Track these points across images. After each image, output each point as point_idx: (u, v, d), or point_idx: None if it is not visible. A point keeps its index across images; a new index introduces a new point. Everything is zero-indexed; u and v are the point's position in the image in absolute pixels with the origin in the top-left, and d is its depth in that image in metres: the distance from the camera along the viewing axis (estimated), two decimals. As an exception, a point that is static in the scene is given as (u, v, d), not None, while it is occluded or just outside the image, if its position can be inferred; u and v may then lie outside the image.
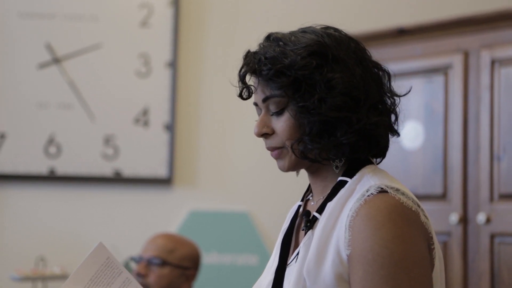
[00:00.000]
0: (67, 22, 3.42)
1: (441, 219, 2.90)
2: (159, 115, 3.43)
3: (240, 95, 1.40)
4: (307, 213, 1.38)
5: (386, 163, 3.14)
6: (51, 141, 3.39)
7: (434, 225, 3.03)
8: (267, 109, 1.37)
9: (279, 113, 1.35)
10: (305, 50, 1.32)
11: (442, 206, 2.92)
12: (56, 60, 3.41)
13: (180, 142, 3.46)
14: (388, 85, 1.39)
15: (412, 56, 3.09)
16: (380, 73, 1.39)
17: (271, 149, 1.38)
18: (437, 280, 1.30)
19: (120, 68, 3.44)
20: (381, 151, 1.39)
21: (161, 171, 3.41)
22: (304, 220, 1.36)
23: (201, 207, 3.44)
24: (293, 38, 1.35)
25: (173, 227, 3.40)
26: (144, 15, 3.46)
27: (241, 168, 3.45)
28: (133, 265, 2.71)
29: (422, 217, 1.28)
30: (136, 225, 3.36)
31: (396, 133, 1.40)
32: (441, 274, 1.32)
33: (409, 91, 1.46)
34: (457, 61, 2.94)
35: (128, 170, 3.40)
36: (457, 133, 2.91)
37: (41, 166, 3.36)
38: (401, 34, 3.11)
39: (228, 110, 3.42)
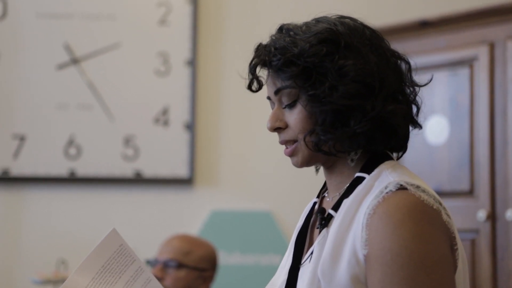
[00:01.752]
0: (85, 22, 3.39)
1: (469, 216, 2.82)
2: (179, 115, 3.39)
3: (249, 87, 1.36)
4: (322, 210, 1.32)
5: (411, 158, 3.06)
6: (70, 142, 3.36)
7: (461, 222, 2.95)
8: (280, 102, 1.33)
9: (291, 105, 1.30)
10: (315, 38, 1.28)
11: (469, 202, 2.84)
12: (75, 61, 3.38)
13: (201, 142, 3.42)
14: (409, 75, 1.33)
15: (436, 49, 3.01)
16: (399, 62, 1.33)
17: (284, 143, 1.33)
18: (460, 283, 1.23)
19: (139, 67, 3.40)
20: (400, 143, 1.33)
21: (182, 171, 3.36)
22: (319, 218, 1.31)
23: (223, 207, 3.39)
24: (304, 27, 1.31)
25: (194, 227, 3.35)
26: (162, 13, 3.42)
27: (263, 166, 3.40)
28: (149, 268, 2.67)
29: (444, 216, 1.22)
30: (157, 226, 3.32)
31: (417, 125, 1.34)
32: (464, 276, 1.25)
33: (430, 81, 1.40)
34: (482, 53, 2.86)
35: (149, 171, 3.36)
36: (484, 127, 2.83)
37: (61, 168, 3.34)
38: (424, 26, 3.04)
39: (248, 108, 3.37)
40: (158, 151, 3.38)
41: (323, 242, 1.25)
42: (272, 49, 1.29)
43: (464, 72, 2.91)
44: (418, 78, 1.37)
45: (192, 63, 3.40)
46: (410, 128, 1.34)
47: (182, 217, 3.38)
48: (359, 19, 1.34)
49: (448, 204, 2.89)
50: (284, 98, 1.31)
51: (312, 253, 1.27)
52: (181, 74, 3.40)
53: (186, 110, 3.39)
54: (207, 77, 3.44)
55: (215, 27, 3.46)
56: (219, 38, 3.45)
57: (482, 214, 2.78)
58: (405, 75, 1.33)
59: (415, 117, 1.33)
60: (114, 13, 3.40)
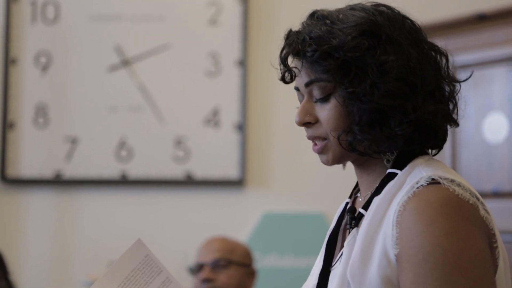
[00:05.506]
0: (135, 24, 3.38)
1: (530, 217, 2.69)
2: (230, 115, 3.34)
3: (283, 79, 1.28)
4: (352, 210, 1.24)
5: (468, 157, 2.92)
6: (122, 145, 3.35)
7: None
8: (310, 95, 1.24)
9: (324, 99, 1.21)
10: (355, 30, 1.18)
11: (531, 203, 2.70)
12: (126, 63, 3.38)
13: (252, 143, 3.36)
14: (446, 70, 1.25)
15: (494, 43, 2.88)
16: (438, 56, 1.24)
17: (313, 138, 1.25)
18: (502, 283, 1.14)
19: (189, 68, 3.37)
20: (438, 142, 1.24)
21: (233, 173, 3.31)
22: (348, 218, 1.23)
23: (275, 209, 3.32)
24: (341, 16, 1.22)
25: (246, 229, 3.30)
26: (212, 13, 3.38)
27: (315, 167, 3.31)
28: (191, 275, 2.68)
29: (482, 211, 1.12)
30: (208, 228, 3.28)
31: (455, 123, 1.25)
32: (506, 276, 1.15)
33: (470, 77, 1.31)
34: (543, 46, 2.72)
35: (200, 173, 3.32)
36: (545, 123, 2.69)
37: (112, 170, 3.33)
38: (481, 20, 2.92)
39: (300, 108, 3.29)
40: (209, 153, 3.34)
41: (353, 243, 1.18)
42: (307, 37, 1.21)
43: (524, 67, 2.78)
44: (475, 74, 1.29)
45: (243, 63, 3.35)
46: (448, 127, 1.26)
47: (233, 219, 3.33)
48: (396, 8, 1.26)
49: (509, 205, 2.77)
50: (316, 92, 1.22)
51: (342, 254, 1.20)
52: (232, 74, 3.35)
53: (237, 111, 3.34)
54: (258, 77, 3.38)
55: (266, 27, 3.41)
56: (270, 38, 3.39)
57: (544, 216, 2.65)
58: (443, 70, 1.24)
59: (452, 115, 1.25)
60: (164, 14, 3.38)
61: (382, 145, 1.20)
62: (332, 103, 1.21)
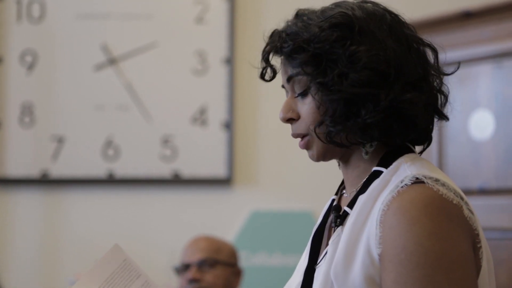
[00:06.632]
0: (122, 22, 3.36)
1: (517, 214, 2.70)
2: (217, 114, 3.33)
3: (262, 76, 1.29)
4: (337, 208, 1.24)
5: (454, 155, 2.93)
6: (109, 143, 3.34)
7: (509, 221, 2.81)
8: (293, 91, 1.26)
9: (303, 94, 1.23)
10: (326, 22, 1.20)
11: (517, 200, 2.71)
12: (112, 61, 3.36)
13: (240, 141, 3.36)
14: (436, 64, 1.25)
15: (480, 41, 2.89)
16: (423, 49, 1.24)
17: (296, 136, 1.26)
18: (485, 283, 1.14)
19: (176, 66, 3.35)
20: (421, 135, 1.24)
21: (220, 171, 3.31)
22: (333, 216, 1.23)
23: (263, 207, 3.32)
24: (319, 12, 1.24)
25: (234, 228, 3.30)
26: (199, 11, 3.37)
27: (303, 165, 3.32)
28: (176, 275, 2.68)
29: (466, 211, 1.12)
30: (196, 227, 3.27)
31: (443, 116, 1.25)
32: (490, 277, 1.15)
33: (458, 69, 1.31)
34: (529, 43, 2.73)
35: (187, 171, 3.32)
36: (531, 120, 2.70)
37: (99, 170, 3.32)
38: (467, 17, 2.92)
39: (287, 106, 3.29)
40: (196, 151, 3.33)
41: (337, 242, 1.18)
42: (284, 34, 1.23)
43: (510, 64, 2.78)
44: (461, 71, 1.29)
45: (230, 61, 3.35)
46: (436, 120, 1.26)
47: (221, 217, 3.33)
48: (382, 4, 1.27)
49: (496, 202, 2.78)
50: (296, 87, 1.24)
51: (326, 253, 1.20)
52: (219, 72, 3.35)
53: (224, 109, 3.33)
54: (245, 75, 3.38)
55: (253, 24, 3.40)
56: (257, 36, 3.36)
57: (530, 213, 2.66)
58: (431, 63, 1.25)
59: (440, 108, 1.25)
60: (150, 12, 3.37)
61: (357, 136, 1.19)
62: (309, 98, 1.22)
